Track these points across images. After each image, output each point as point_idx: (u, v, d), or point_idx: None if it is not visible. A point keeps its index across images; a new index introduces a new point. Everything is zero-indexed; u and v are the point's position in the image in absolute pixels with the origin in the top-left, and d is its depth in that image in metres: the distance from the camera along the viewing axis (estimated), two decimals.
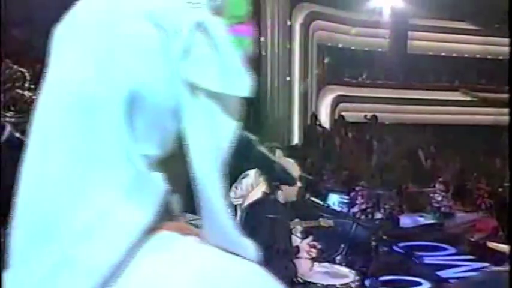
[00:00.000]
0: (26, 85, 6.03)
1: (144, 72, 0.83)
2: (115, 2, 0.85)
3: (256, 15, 11.56)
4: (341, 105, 13.54)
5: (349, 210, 7.11)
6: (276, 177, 1.62)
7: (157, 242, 0.85)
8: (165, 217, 0.90)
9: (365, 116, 11.84)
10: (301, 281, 2.77)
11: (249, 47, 0.96)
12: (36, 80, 6.35)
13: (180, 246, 0.87)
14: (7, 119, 5.80)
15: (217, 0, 0.94)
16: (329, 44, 13.62)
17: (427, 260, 5.77)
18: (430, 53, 13.14)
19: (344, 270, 3.21)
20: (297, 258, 3.11)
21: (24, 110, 5.82)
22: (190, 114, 0.86)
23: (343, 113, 13.16)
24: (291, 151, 11.14)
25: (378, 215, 6.82)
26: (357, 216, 6.82)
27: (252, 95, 0.93)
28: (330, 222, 4.42)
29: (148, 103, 0.84)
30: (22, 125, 5.86)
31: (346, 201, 7.55)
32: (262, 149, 1.38)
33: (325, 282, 2.89)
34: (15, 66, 5.69)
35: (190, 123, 0.86)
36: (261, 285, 0.88)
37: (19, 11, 9.52)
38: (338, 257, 5.13)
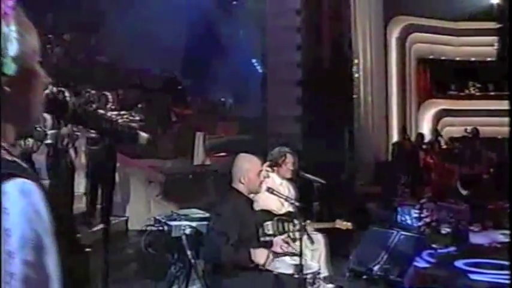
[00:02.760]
0: (108, 106, 6.96)
1: None
2: None
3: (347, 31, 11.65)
4: (445, 119, 12.86)
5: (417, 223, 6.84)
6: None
7: None
8: None
9: (465, 129, 11.09)
10: (262, 268, 2.93)
11: None
12: (118, 103, 7.25)
13: None
14: (90, 135, 6.74)
15: None
16: (431, 57, 13.07)
17: (486, 278, 5.36)
18: None
19: (314, 265, 3.26)
20: (272, 251, 3.29)
21: (105, 128, 6.73)
22: None
23: (447, 128, 12.53)
24: (379, 166, 10.93)
25: (446, 230, 6.43)
26: (422, 229, 6.52)
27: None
28: (348, 225, 4.40)
29: None
30: (101, 142, 6.76)
31: (417, 214, 7.26)
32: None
33: (284, 271, 3.00)
34: (93, 92, 6.60)
35: None
36: None
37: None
38: (376, 267, 5.04)
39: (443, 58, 13.05)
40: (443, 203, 7.28)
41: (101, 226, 6.78)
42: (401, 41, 12.56)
